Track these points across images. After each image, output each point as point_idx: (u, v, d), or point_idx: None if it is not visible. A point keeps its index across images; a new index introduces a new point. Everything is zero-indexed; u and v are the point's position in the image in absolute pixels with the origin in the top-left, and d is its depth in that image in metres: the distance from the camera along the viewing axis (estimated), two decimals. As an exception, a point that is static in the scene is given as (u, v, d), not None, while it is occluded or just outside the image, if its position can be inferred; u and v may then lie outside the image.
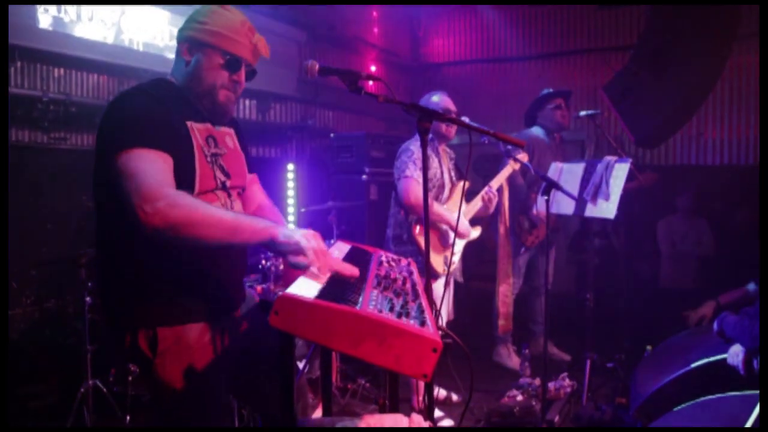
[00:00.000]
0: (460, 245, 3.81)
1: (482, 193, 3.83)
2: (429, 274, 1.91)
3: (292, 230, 1.59)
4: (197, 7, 1.89)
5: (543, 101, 4.83)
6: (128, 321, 1.76)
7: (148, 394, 3.33)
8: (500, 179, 3.96)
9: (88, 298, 3.22)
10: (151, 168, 1.59)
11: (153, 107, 1.71)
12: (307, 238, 1.56)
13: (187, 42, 1.83)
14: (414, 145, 3.62)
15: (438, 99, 3.75)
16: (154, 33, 4.33)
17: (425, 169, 1.90)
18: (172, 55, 1.94)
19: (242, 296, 2.02)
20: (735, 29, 5.13)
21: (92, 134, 4.11)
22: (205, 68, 1.83)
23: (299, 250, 1.54)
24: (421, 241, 3.49)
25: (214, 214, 1.57)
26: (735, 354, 2.83)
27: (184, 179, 1.72)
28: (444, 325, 3.74)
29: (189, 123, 1.80)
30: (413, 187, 3.50)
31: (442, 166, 3.75)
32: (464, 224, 3.73)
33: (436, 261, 3.59)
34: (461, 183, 3.78)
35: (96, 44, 3.96)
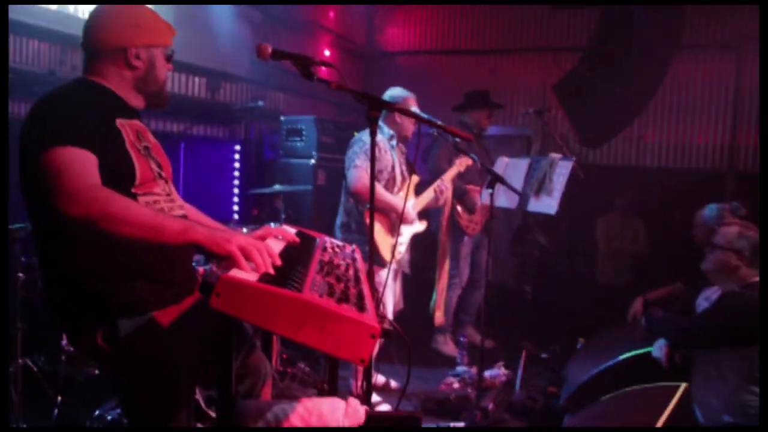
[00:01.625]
0: (407, 235, 3.87)
1: (435, 185, 3.91)
2: (372, 260, 1.93)
3: (219, 237, 1.49)
4: (104, 9, 1.92)
5: (481, 104, 4.96)
6: (84, 321, 1.72)
7: (81, 375, 3.27)
8: (451, 174, 4.03)
9: (20, 274, 3.10)
10: (74, 163, 1.58)
11: (77, 107, 1.71)
12: (237, 247, 1.46)
13: (133, 47, 1.86)
14: (367, 136, 3.64)
15: (400, 93, 3.81)
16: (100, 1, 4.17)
17: (373, 157, 1.94)
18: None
19: (195, 279, 2.00)
20: (678, 39, 5.35)
21: (30, 103, 3.93)
22: (158, 68, 1.93)
23: (230, 260, 1.47)
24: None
25: (134, 212, 1.54)
26: (659, 347, 2.98)
27: (125, 173, 1.73)
28: (392, 314, 3.79)
29: (118, 120, 1.81)
30: (362, 176, 3.54)
31: (395, 160, 3.80)
32: (410, 210, 3.80)
33: (384, 249, 3.63)
34: (412, 177, 3.86)
35: (37, 9, 3.79)
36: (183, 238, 1.52)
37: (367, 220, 3.57)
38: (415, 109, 3.76)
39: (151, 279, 1.76)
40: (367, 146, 3.58)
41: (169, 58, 1.97)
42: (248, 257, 1.47)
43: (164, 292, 1.80)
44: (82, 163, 1.59)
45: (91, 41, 1.88)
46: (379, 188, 3.64)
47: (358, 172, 3.58)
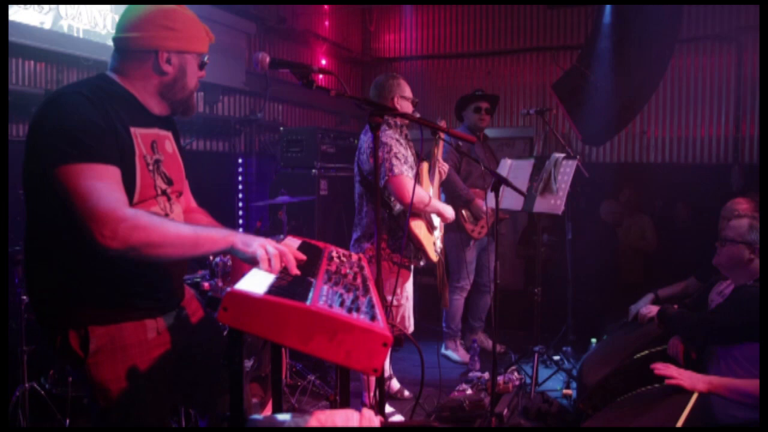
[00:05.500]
0: (439, 227, 3.75)
1: (437, 169, 3.76)
2: (380, 267, 1.89)
3: (249, 239, 1.59)
4: (142, 7, 1.76)
5: (467, 101, 4.85)
6: (59, 320, 1.68)
7: (87, 396, 3.23)
8: (440, 155, 3.86)
9: (24, 297, 3.07)
10: (104, 186, 1.54)
11: (96, 114, 1.60)
12: (263, 249, 1.56)
13: (165, 51, 1.75)
14: (390, 139, 3.44)
15: (390, 81, 3.61)
16: (95, 20, 4.16)
17: (376, 161, 1.90)
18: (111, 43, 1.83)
19: (181, 294, 1.95)
20: (677, 32, 5.33)
21: (27, 125, 3.91)
22: (189, 75, 1.84)
23: (255, 261, 1.55)
24: (418, 233, 3.45)
25: (174, 232, 1.57)
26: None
27: (126, 188, 1.64)
28: (412, 325, 3.72)
29: (132, 129, 1.71)
30: (408, 184, 3.32)
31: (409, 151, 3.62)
32: (449, 209, 3.66)
33: (430, 249, 3.56)
34: (422, 164, 3.68)
35: (32, 29, 3.77)
36: (219, 247, 1.60)
37: (413, 229, 3.45)
38: (416, 114, 3.69)
39: (130, 290, 1.71)
40: (394, 150, 3.37)
41: (202, 66, 1.87)
42: (272, 260, 1.55)
43: (143, 305, 1.75)
44: (110, 185, 1.56)
45: (122, 39, 1.75)
46: (419, 190, 3.44)
47: (401, 182, 3.32)
